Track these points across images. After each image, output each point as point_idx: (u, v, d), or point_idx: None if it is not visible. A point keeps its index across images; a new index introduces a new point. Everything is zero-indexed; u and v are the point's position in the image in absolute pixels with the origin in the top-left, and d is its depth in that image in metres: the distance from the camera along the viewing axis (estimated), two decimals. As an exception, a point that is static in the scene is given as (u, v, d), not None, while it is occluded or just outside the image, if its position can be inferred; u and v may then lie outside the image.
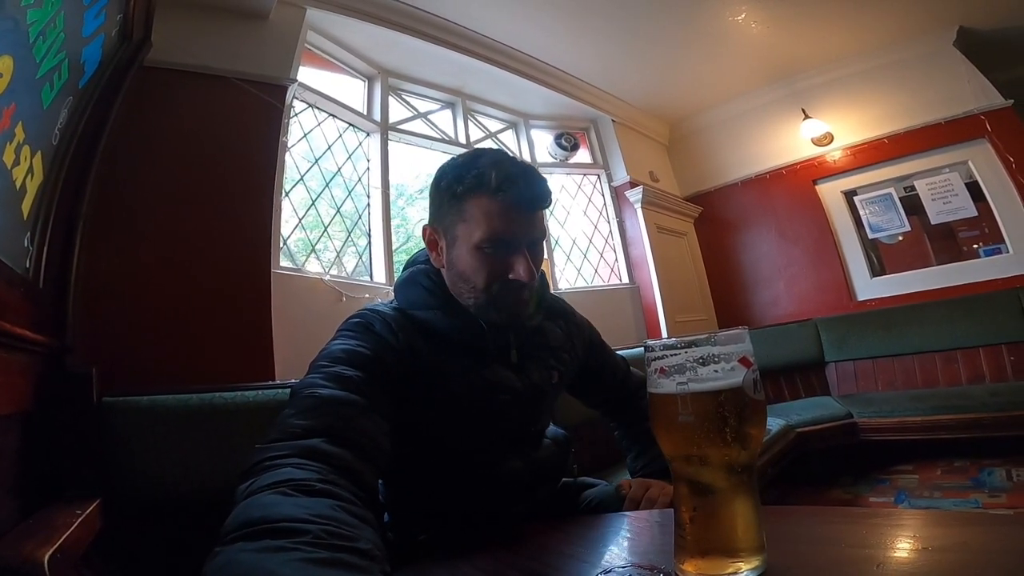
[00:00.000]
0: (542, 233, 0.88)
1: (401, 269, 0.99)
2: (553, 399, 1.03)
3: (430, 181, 0.92)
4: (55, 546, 0.78)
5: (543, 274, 1.00)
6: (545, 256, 3.57)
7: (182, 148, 1.90)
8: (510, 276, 0.83)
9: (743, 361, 0.50)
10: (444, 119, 3.45)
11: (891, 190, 3.66)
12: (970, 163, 3.38)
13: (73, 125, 1.29)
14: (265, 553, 0.41)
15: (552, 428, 1.08)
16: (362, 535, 0.47)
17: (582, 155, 4.08)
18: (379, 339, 0.81)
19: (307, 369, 0.75)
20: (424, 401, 0.82)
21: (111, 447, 1.14)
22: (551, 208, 3.80)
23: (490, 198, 0.82)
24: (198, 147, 1.94)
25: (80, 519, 0.92)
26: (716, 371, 0.50)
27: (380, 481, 0.90)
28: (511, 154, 0.88)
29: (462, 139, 3.40)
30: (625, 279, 3.93)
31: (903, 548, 0.51)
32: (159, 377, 1.60)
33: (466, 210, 0.83)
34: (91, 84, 1.36)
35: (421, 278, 0.91)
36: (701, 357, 0.50)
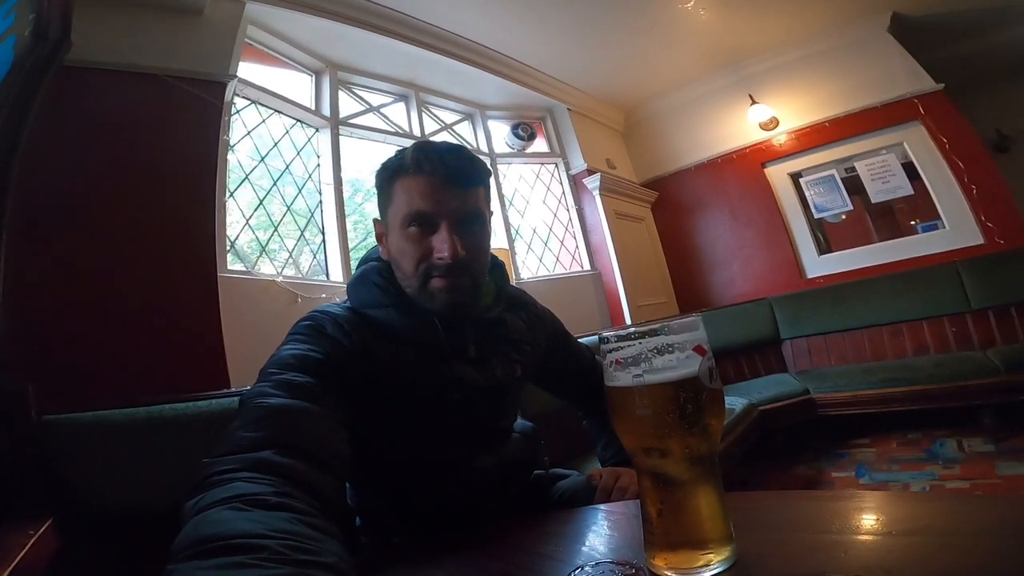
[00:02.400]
0: (473, 211, 0.84)
1: (356, 267, 0.96)
2: (518, 393, 1.00)
3: None
4: (11, 567, 0.76)
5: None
6: (506, 247, 3.56)
7: (113, 150, 1.80)
8: (435, 255, 0.80)
9: (697, 350, 0.49)
10: (398, 112, 3.38)
11: (833, 171, 3.81)
12: (905, 144, 3.56)
13: (-13, 130, 1.20)
14: (222, 570, 0.38)
15: (520, 421, 1.06)
16: (324, 548, 0.44)
17: (539, 144, 4.08)
18: (331, 341, 0.77)
19: (257, 376, 0.72)
20: (384, 402, 0.80)
21: (58, 465, 1.09)
22: (510, 198, 3.80)
23: (410, 177, 0.82)
24: (130, 148, 1.84)
25: (33, 539, 0.89)
26: (671, 361, 0.49)
27: (349, 484, 0.87)
28: (446, 141, 0.88)
29: (416, 132, 3.34)
30: (587, 266, 3.97)
31: (868, 532, 0.52)
32: (106, 391, 1.52)
33: (393, 194, 0.84)
34: (4, 87, 1.28)
35: (373, 275, 0.88)
36: (656, 347, 0.49)
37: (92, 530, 1.09)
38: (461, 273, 0.82)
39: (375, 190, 0.90)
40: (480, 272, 0.87)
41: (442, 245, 0.79)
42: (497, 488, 0.92)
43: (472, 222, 0.84)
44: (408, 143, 3.30)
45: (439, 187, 0.81)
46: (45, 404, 1.13)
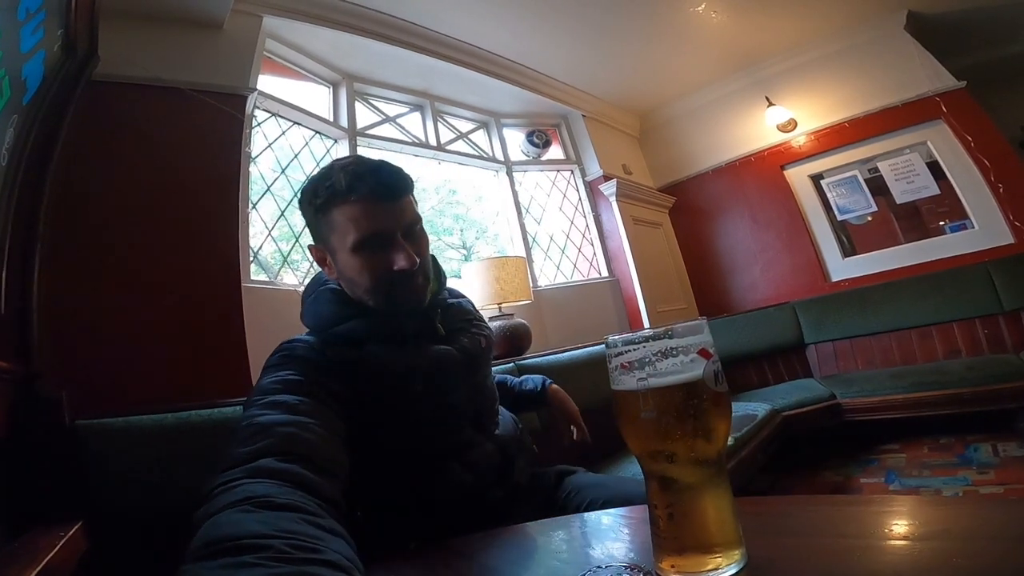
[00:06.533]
0: (412, 219, 0.91)
1: (302, 302, 1.00)
2: (488, 364, 1.07)
3: (298, 204, 0.97)
4: (40, 566, 0.77)
5: (435, 258, 1.07)
6: (523, 255, 3.56)
7: (140, 162, 1.85)
8: (394, 268, 0.86)
9: (702, 353, 0.49)
10: (414, 122, 3.42)
11: (856, 172, 3.73)
12: (929, 143, 3.47)
13: (21, 144, 1.24)
14: (228, 569, 0.40)
15: (502, 411, 1.11)
16: (328, 546, 0.46)
17: (555, 151, 4.09)
18: (306, 362, 0.82)
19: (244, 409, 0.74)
20: (377, 405, 0.83)
21: (89, 469, 1.12)
22: (527, 206, 3.81)
23: (349, 202, 0.85)
24: (156, 160, 1.89)
25: (63, 541, 0.91)
26: (676, 364, 0.49)
27: (355, 496, 0.89)
28: (365, 157, 0.93)
29: (432, 141, 3.37)
30: (604, 272, 3.95)
31: (885, 537, 0.51)
32: (134, 397, 1.56)
33: (333, 220, 0.87)
34: (36, 101, 1.31)
35: (327, 296, 0.93)
36: (661, 351, 0.49)
37: (120, 532, 1.11)
38: (417, 275, 0.89)
39: (303, 216, 0.95)
40: (429, 270, 0.95)
41: (399, 258, 0.86)
42: (500, 473, 0.95)
43: (414, 228, 0.91)
44: (425, 153, 3.30)
45: (379, 205, 0.86)
46: (78, 410, 1.17)
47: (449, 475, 0.88)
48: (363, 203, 0.85)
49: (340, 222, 0.86)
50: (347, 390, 0.80)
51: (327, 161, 2.82)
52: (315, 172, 0.93)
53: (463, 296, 1.16)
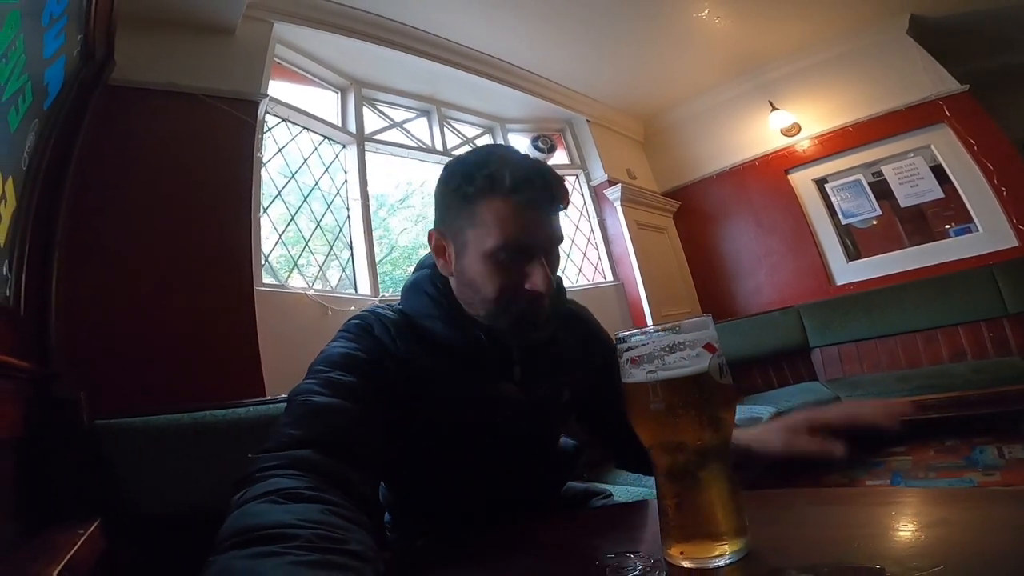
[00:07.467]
0: (560, 237, 0.79)
1: (412, 271, 0.92)
2: (565, 419, 0.94)
3: (437, 181, 0.83)
4: (61, 564, 0.78)
5: (560, 280, 0.93)
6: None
7: (155, 167, 1.89)
8: (526, 286, 0.75)
9: (708, 347, 0.51)
10: (420, 127, 3.46)
11: (860, 176, 3.75)
12: (932, 147, 3.48)
13: (41, 148, 1.27)
14: (257, 559, 0.42)
15: (563, 439, 1.01)
16: (353, 537, 0.47)
17: (559, 156, 4.12)
18: (377, 343, 0.77)
19: (306, 372, 0.74)
20: (417, 410, 0.79)
21: (107, 468, 1.14)
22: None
23: (504, 200, 0.73)
24: (171, 165, 1.93)
25: (83, 538, 0.92)
26: (683, 358, 0.51)
27: (382, 482, 0.90)
28: (523, 152, 0.81)
29: (439, 146, 3.41)
30: (609, 277, 3.97)
31: (886, 527, 0.53)
32: (149, 398, 1.59)
33: (478, 214, 0.75)
34: (56, 105, 1.35)
35: (426, 284, 0.84)
36: (668, 345, 0.51)
37: (137, 530, 1.13)
38: (545, 299, 0.77)
39: (436, 196, 0.83)
40: (554, 295, 0.83)
41: (538, 278, 0.74)
42: (525, 507, 0.89)
43: (557, 248, 0.80)
44: (432, 158, 3.31)
45: (537, 215, 0.75)
46: (95, 410, 1.19)
47: (469, 497, 0.86)
48: (522, 206, 0.73)
49: (487, 219, 0.74)
50: (401, 385, 0.76)
51: (335, 166, 2.85)
52: (468, 154, 0.81)
53: (585, 323, 0.99)
